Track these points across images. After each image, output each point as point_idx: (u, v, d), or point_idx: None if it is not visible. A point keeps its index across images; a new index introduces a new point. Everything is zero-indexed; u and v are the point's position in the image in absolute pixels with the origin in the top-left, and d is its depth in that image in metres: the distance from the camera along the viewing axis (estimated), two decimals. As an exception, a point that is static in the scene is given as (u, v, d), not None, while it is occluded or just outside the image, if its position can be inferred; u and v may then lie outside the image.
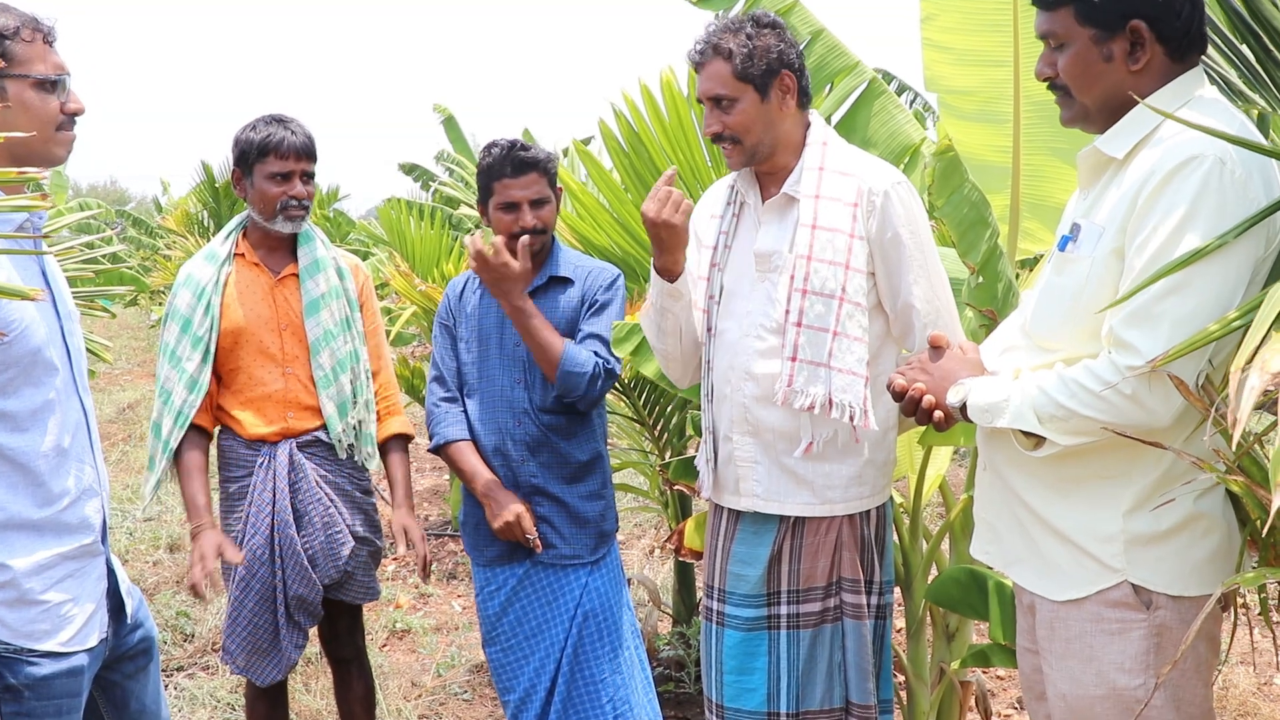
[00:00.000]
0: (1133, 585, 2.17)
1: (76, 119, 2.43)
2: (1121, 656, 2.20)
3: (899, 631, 4.44)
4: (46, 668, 2.36)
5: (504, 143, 3.43)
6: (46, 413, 2.36)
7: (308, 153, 3.55)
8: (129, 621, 2.65)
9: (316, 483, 3.60)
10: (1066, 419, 2.11)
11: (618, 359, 3.46)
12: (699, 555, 3.80)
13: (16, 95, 2.30)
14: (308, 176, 3.58)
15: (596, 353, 3.39)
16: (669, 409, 4.78)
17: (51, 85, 2.36)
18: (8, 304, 2.25)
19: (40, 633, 2.35)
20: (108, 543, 2.58)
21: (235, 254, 3.64)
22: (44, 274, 2.48)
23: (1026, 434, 2.20)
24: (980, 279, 2.96)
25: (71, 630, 2.41)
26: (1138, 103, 2.12)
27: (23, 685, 2.33)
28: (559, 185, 3.54)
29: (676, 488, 3.90)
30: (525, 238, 3.34)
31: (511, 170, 3.38)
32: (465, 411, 3.53)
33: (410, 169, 16.47)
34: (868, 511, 2.98)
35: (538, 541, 3.42)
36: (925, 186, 3.46)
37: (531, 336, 3.33)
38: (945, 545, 3.81)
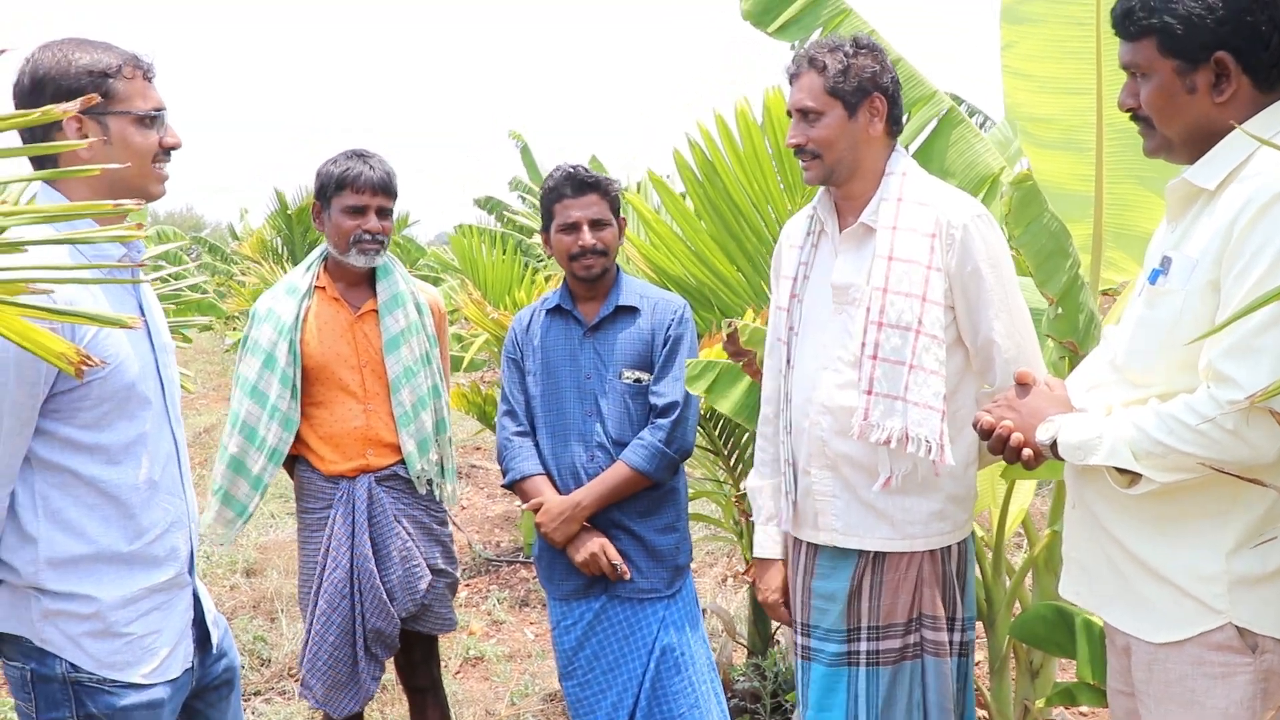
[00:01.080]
0: (1237, 628, 2.11)
1: (172, 153, 2.46)
2: (1226, 701, 2.13)
3: (979, 664, 4.37)
4: (127, 699, 2.38)
5: (566, 165, 3.47)
6: (139, 446, 2.39)
7: (384, 188, 3.58)
8: (214, 651, 2.67)
9: (394, 517, 3.62)
10: (1164, 455, 2.06)
11: (696, 416, 3.50)
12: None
13: (118, 131, 2.34)
14: (384, 212, 3.60)
15: (663, 441, 3.41)
16: (744, 439, 4.75)
17: (151, 120, 2.40)
18: (106, 336, 2.28)
19: (123, 664, 2.38)
20: (194, 573, 2.61)
21: (316, 287, 3.67)
22: (140, 305, 2.51)
23: (1121, 471, 2.15)
24: (1060, 310, 2.90)
25: (154, 663, 2.43)
26: (1224, 134, 2.08)
27: (103, 715, 2.36)
28: (623, 215, 3.55)
29: (752, 519, 3.86)
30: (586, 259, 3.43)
31: (572, 190, 3.42)
32: (537, 445, 3.53)
33: (485, 202, 16.57)
34: (949, 547, 2.93)
35: (625, 569, 3.41)
36: (1002, 220, 3.42)
37: (608, 500, 3.43)
38: (1028, 580, 3.75)
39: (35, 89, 2.30)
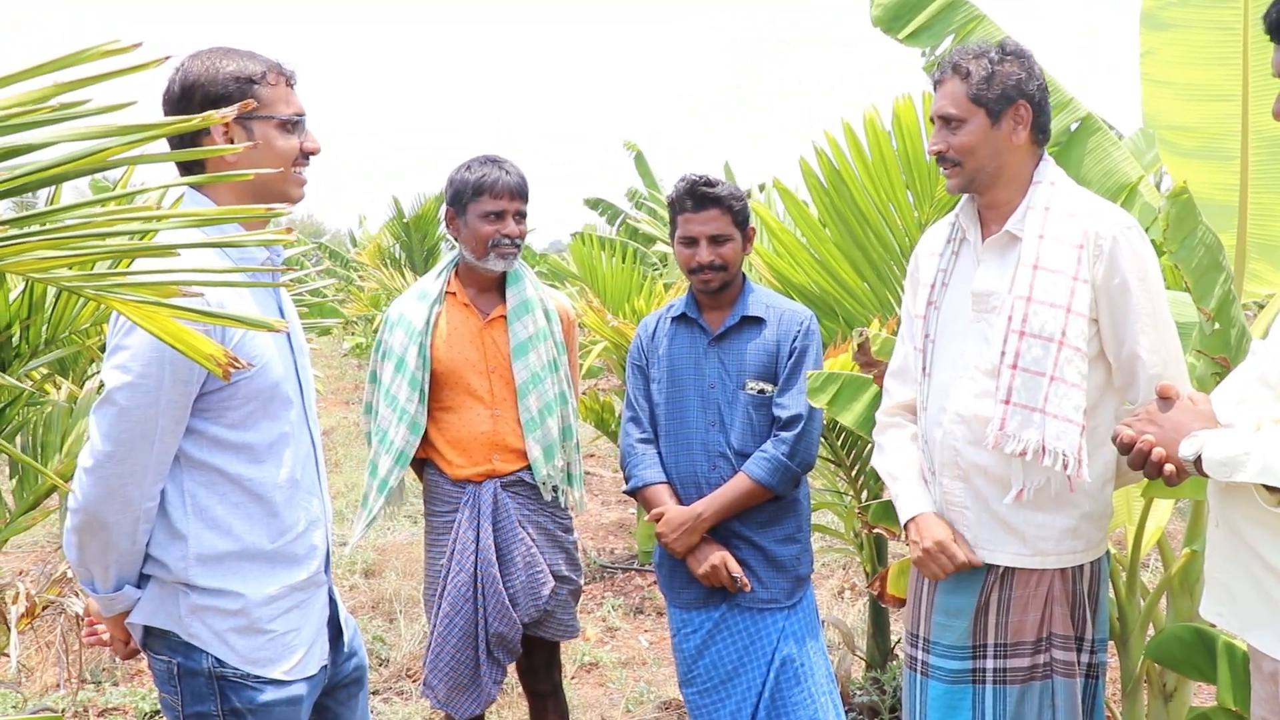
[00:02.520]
0: None
1: (311, 158, 2.52)
2: None
3: (1111, 684, 4.26)
4: (269, 694, 2.43)
5: (691, 176, 3.44)
6: (282, 445, 2.45)
7: (521, 192, 3.62)
8: (346, 650, 2.72)
9: (519, 522, 3.65)
10: None
11: (819, 430, 3.47)
12: (901, 603, 3.71)
13: (263, 136, 2.41)
14: (520, 216, 3.64)
15: (786, 455, 3.39)
16: (866, 450, 4.70)
17: (293, 125, 2.46)
18: (252, 339, 2.34)
19: (265, 660, 2.43)
20: (330, 572, 2.65)
21: (447, 293, 3.71)
22: (280, 308, 2.57)
23: (1270, 490, 2.08)
24: (1216, 325, 2.82)
25: (294, 659, 2.48)
26: None
27: (246, 709, 2.41)
28: (750, 224, 3.52)
29: (875, 531, 3.82)
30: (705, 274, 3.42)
31: (692, 205, 3.41)
32: (659, 452, 3.53)
33: (595, 203, 16.67)
34: (1081, 565, 2.87)
35: (745, 581, 3.40)
36: (1161, 230, 3.34)
37: (729, 513, 3.42)
38: (1162, 602, 3.65)
39: (185, 96, 2.38)
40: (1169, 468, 2.24)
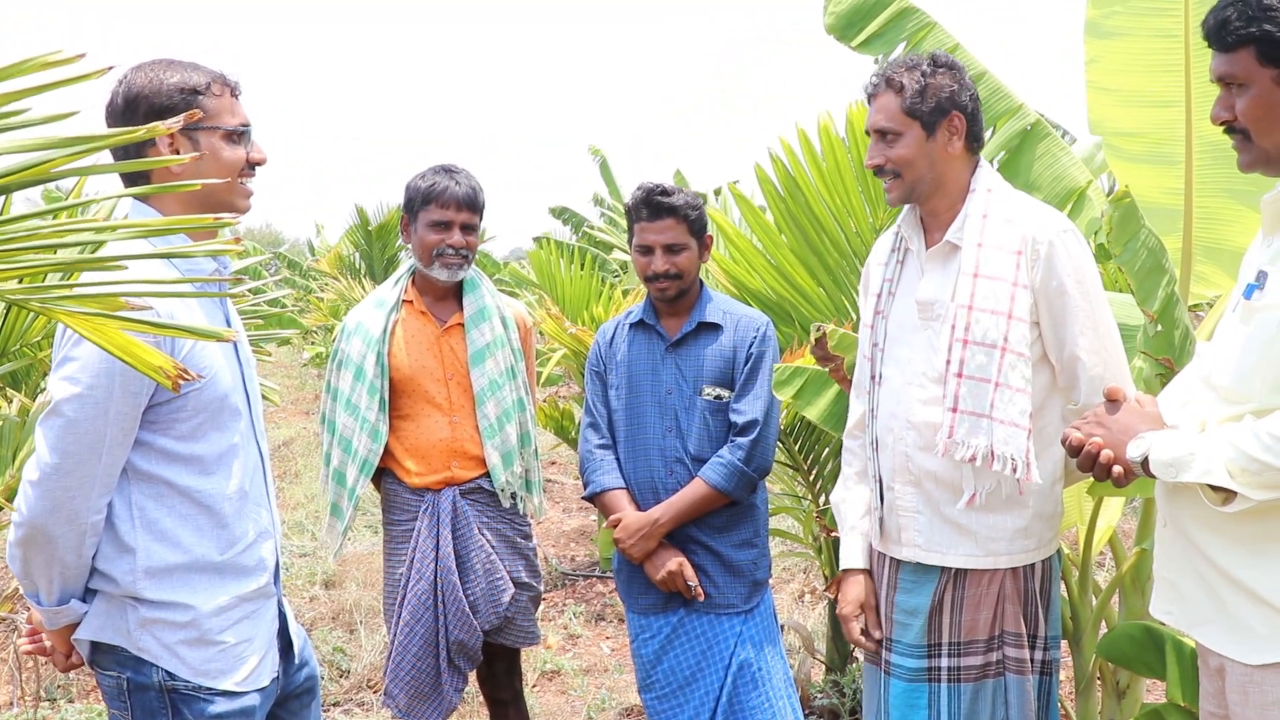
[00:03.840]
0: None
1: (257, 169, 2.52)
2: None
3: (1064, 684, 4.31)
4: (221, 706, 2.42)
5: (650, 185, 3.46)
6: (231, 457, 2.45)
7: (469, 204, 3.62)
8: (296, 660, 2.71)
9: (479, 529, 3.65)
10: (1260, 473, 2.02)
11: (775, 434, 3.49)
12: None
13: (208, 147, 2.41)
14: (468, 228, 3.64)
15: (742, 460, 3.40)
16: (824, 454, 4.73)
17: (238, 136, 2.46)
18: (200, 350, 2.34)
19: (217, 671, 2.42)
20: (279, 583, 2.65)
21: (404, 301, 3.72)
22: (227, 320, 2.57)
23: (1215, 489, 2.12)
24: (1159, 327, 2.87)
25: (246, 670, 2.47)
26: None
27: None
28: (707, 231, 3.54)
29: (833, 535, 3.85)
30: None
31: (648, 214, 3.42)
32: (617, 458, 3.55)
33: (560, 212, 16.65)
34: (1033, 564, 2.90)
35: (700, 590, 3.42)
36: (1092, 232, 3.37)
37: (686, 518, 3.43)
38: (1115, 599, 3.69)
39: (129, 108, 2.38)
40: (1117, 469, 2.28)
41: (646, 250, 3.44)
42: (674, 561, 3.41)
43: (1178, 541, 2.31)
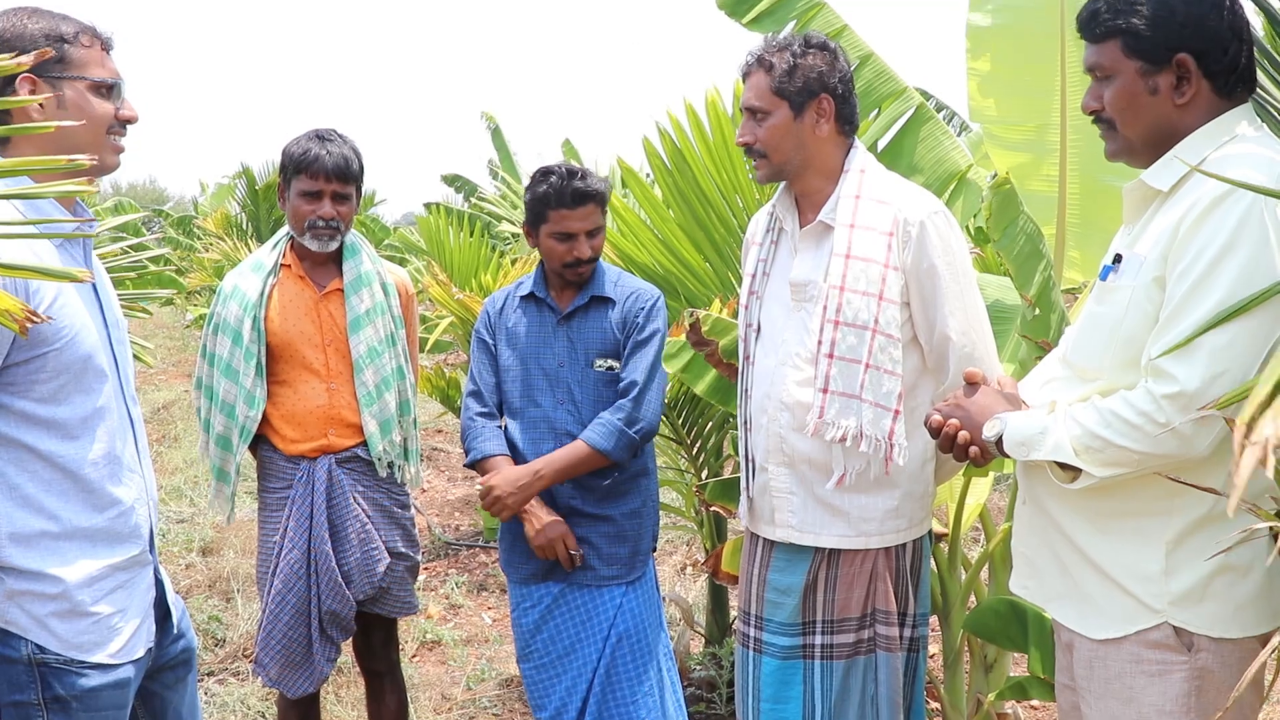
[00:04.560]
0: (1174, 627, 2.15)
1: (129, 126, 2.45)
2: (1162, 699, 2.17)
3: (934, 658, 4.41)
4: (94, 679, 2.35)
5: (561, 170, 3.41)
6: (96, 420, 2.36)
7: (340, 174, 3.54)
8: (173, 631, 2.66)
9: (354, 499, 3.62)
10: (1102, 449, 2.10)
11: (659, 399, 3.49)
12: (735, 579, 3.79)
13: (73, 98, 2.33)
14: (340, 197, 3.57)
15: (623, 421, 3.40)
16: (707, 428, 4.77)
17: (107, 90, 2.39)
18: (62, 308, 2.26)
19: (90, 644, 2.35)
20: (155, 551, 2.58)
21: (282, 265, 3.66)
22: (94, 287, 2.49)
23: (1064, 466, 2.19)
24: (1037, 311, 2.94)
25: (120, 642, 2.41)
26: (1183, 137, 2.14)
27: (70, 697, 2.33)
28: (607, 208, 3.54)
29: (713, 509, 3.88)
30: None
31: (571, 201, 3.38)
32: (505, 429, 3.53)
33: (453, 180, 16.49)
34: (904, 544, 2.96)
35: (579, 556, 3.42)
36: (971, 215, 3.43)
37: (567, 475, 3.42)
38: (985, 574, 3.78)
39: None
40: (974, 450, 2.35)
41: (568, 237, 3.41)
42: (555, 529, 3.40)
43: (1036, 518, 2.39)
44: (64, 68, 2.32)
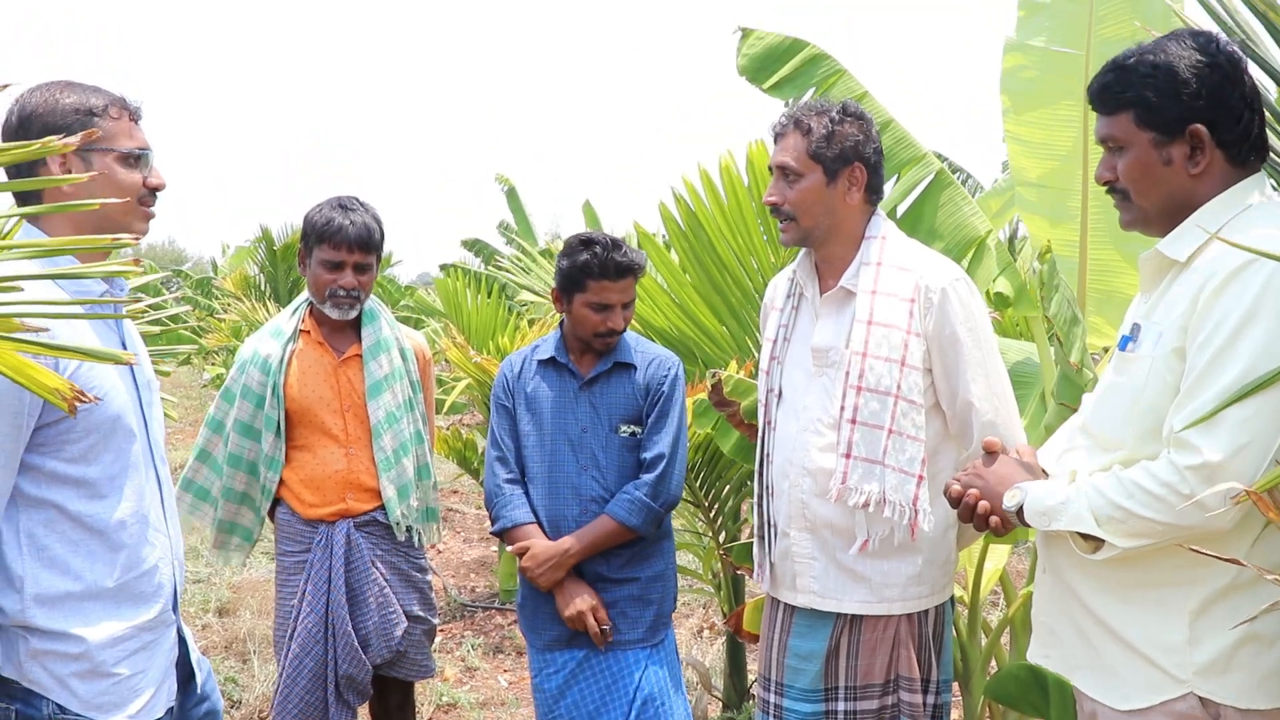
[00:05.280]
0: (1199, 698, 2.12)
1: (157, 194, 2.48)
2: None
3: (954, 725, 4.36)
4: None
5: (605, 241, 3.40)
6: (124, 479, 2.38)
7: (362, 245, 3.56)
8: (197, 693, 2.66)
9: (372, 562, 3.62)
10: (1124, 520, 2.08)
11: (682, 470, 3.50)
12: (756, 638, 3.76)
13: (102, 168, 2.37)
14: (361, 268, 3.59)
15: (649, 495, 3.40)
16: (724, 491, 4.76)
17: (135, 159, 2.43)
18: (90, 371, 2.28)
19: (109, 705, 2.36)
20: (179, 611, 2.59)
21: (301, 330, 3.68)
22: (122, 341, 2.52)
23: (1085, 537, 2.18)
24: (1084, 373, 2.94)
25: (140, 702, 2.41)
26: (1198, 206, 2.14)
27: None
28: None
29: (740, 571, 3.87)
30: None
31: (614, 273, 3.37)
32: (527, 494, 3.53)
33: (473, 244, 16.55)
34: (926, 610, 2.94)
35: (610, 631, 3.40)
36: (990, 280, 3.44)
37: (594, 550, 3.42)
38: (1005, 639, 3.75)
39: (22, 126, 2.34)
40: (994, 519, 2.34)
41: (604, 307, 3.41)
42: (585, 602, 3.39)
43: (1055, 587, 2.37)
44: (94, 141, 2.36)
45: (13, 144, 1.31)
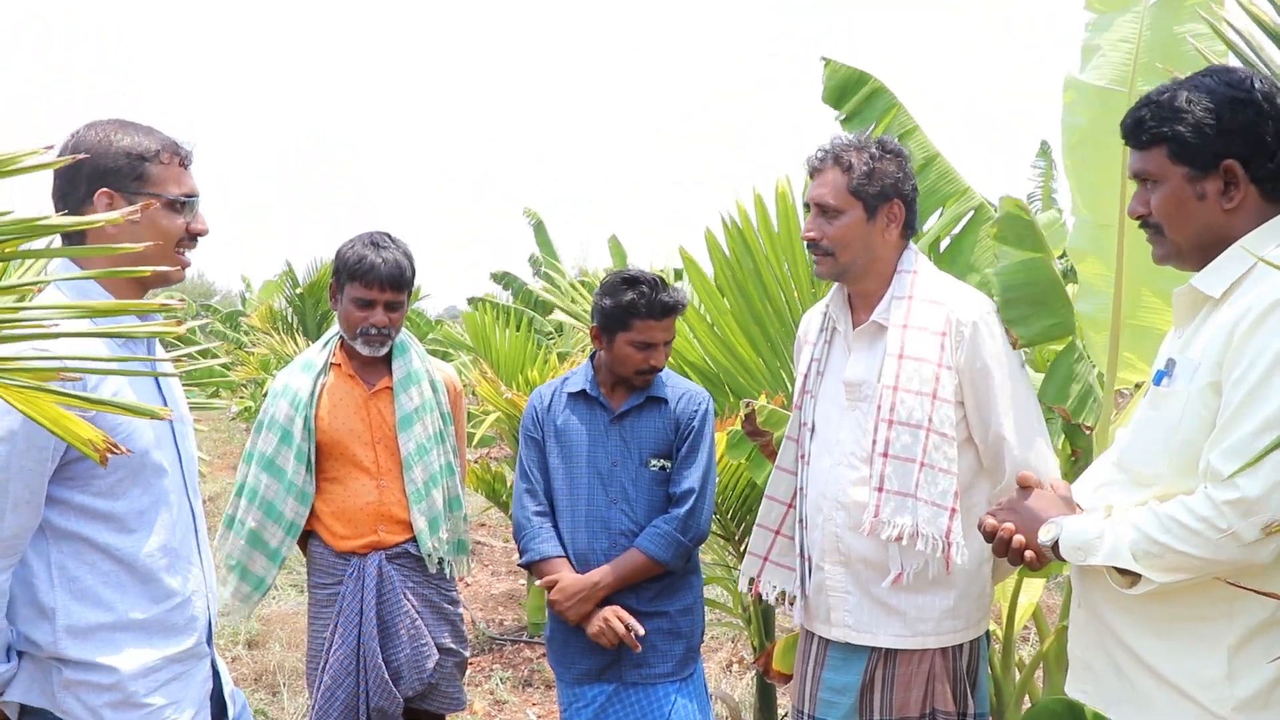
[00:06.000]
0: None
1: (198, 239, 2.50)
2: None
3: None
4: None
5: (651, 280, 3.42)
6: (154, 514, 2.40)
7: (394, 283, 3.57)
8: None
9: (404, 595, 3.62)
10: (1161, 555, 2.07)
11: (711, 505, 3.50)
12: (787, 679, 3.75)
13: (148, 214, 2.39)
14: (393, 305, 3.61)
15: (679, 530, 3.41)
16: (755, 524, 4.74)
17: (181, 206, 2.45)
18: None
19: None
20: (213, 644, 2.60)
21: (332, 364, 3.70)
22: (158, 384, 2.54)
23: (1121, 572, 2.17)
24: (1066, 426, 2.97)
25: None
26: (1231, 241, 2.14)
27: None
28: None
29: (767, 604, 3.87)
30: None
31: (660, 313, 3.39)
32: (555, 528, 3.53)
33: (501, 277, 16.62)
34: (961, 644, 2.93)
35: (640, 630, 3.38)
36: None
37: (623, 584, 3.42)
38: (1038, 674, 3.73)
39: (74, 165, 2.35)
40: (1029, 554, 2.34)
41: (647, 346, 3.42)
42: (608, 609, 3.39)
43: (1091, 622, 2.36)
44: (142, 184, 2.39)
45: (67, 220, 1.34)
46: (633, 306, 3.39)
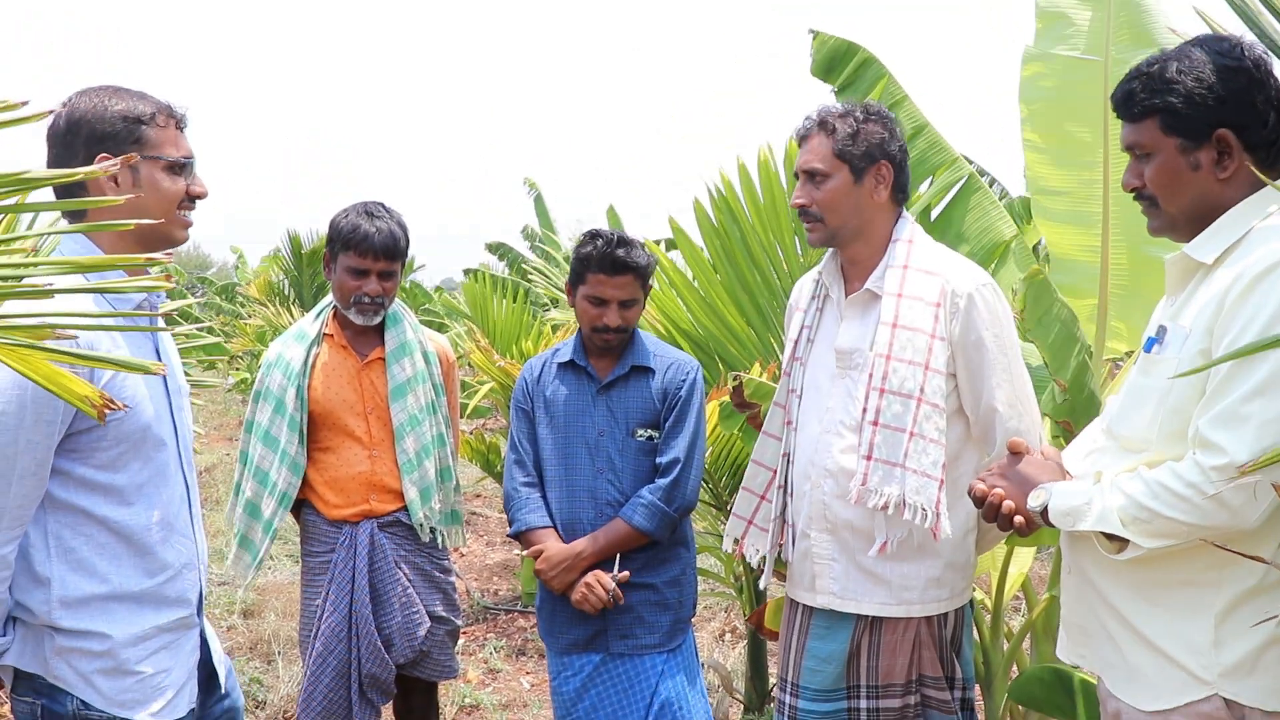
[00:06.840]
0: (1225, 699, 2.12)
1: (198, 202, 2.51)
2: None
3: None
4: None
5: (608, 235, 3.42)
6: (152, 487, 2.42)
7: (387, 252, 3.59)
8: (219, 690, 2.69)
9: (395, 563, 3.64)
10: (1149, 521, 2.08)
11: (699, 475, 3.50)
12: (777, 635, 3.78)
13: (148, 177, 2.40)
14: (386, 275, 3.62)
15: (664, 500, 3.40)
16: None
17: (180, 168, 2.45)
18: (124, 380, 2.31)
19: (132, 702, 2.39)
20: (203, 614, 2.63)
21: (325, 334, 3.71)
22: (157, 350, 2.55)
23: (1110, 537, 2.18)
24: (1066, 396, 2.96)
25: (162, 701, 2.44)
26: (1225, 210, 2.14)
27: None
28: (650, 280, 3.56)
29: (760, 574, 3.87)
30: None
31: (610, 268, 3.38)
32: (544, 498, 3.55)
33: (497, 248, 16.62)
34: (946, 613, 2.95)
35: (619, 593, 3.39)
36: (1012, 286, 3.46)
37: (608, 554, 3.42)
38: (1026, 643, 3.75)
39: (70, 131, 2.35)
40: (1019, 519, 2.35)
41: (600, 302, 3.41)
42: (590, 575, 3.40)
43: (1081, 587, 2.37)
44: (140, 147, 2.38)
45: (59, 171, 1.34)
46: (587, 259, 3.42)
